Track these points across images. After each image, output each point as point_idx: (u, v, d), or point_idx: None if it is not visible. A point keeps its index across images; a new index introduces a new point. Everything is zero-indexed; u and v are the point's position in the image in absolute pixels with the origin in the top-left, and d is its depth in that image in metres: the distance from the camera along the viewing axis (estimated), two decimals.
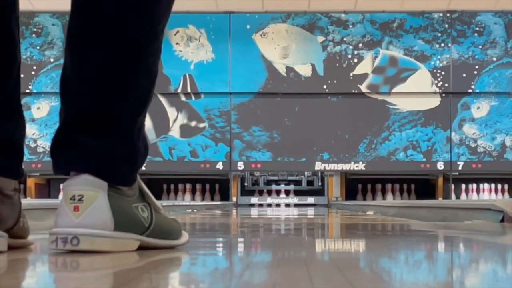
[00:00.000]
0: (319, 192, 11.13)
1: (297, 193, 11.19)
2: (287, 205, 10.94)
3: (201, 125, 10.61)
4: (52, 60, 10.63)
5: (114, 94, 1.64)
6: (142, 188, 1.71)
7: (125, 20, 1.63)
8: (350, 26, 10.65)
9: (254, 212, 7.66)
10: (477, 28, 10.57)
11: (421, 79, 10.56)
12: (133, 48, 1.64)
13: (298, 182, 11.23)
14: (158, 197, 10.37)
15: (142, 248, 1.67)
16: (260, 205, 10.95)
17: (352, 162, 10.57)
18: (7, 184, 1.65)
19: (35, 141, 10.53)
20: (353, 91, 10.55)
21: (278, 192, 11.24)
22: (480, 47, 10.55)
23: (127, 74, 1.64)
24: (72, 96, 1.65)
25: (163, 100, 10.50)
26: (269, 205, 10.99)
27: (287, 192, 11.22)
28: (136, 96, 1.67)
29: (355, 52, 10.60)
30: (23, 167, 1.72)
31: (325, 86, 10.55)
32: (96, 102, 1.63)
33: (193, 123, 10.61)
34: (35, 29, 10.66)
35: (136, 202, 1.67)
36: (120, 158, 1.64)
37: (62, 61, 1.69)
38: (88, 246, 1.57)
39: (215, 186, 11.23)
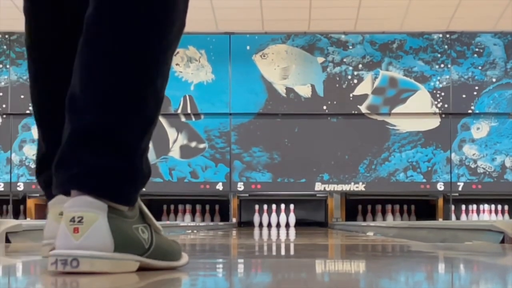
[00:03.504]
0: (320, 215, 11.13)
1: (297, 205, 11.12)
2: (287, 225, 10.90)
3: (201, 145, 10.61)
4: None
5: (121, 115, 1.64)
6: (142, 209, 1.71)
7: (136, 44, 1.64)
8: (350, 47, 10.68)
9: (255, 231, 7.64)
10: (477, 49, 10.60)
11: (421, 100, 10.57)
12: (143, 71, 1.65)
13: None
14: (158, 218, 10.34)
15: (142, 269, 1.66)
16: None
17: (352, 183, 10.56)
18: None
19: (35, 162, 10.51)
20: (353, 111, 10.56)
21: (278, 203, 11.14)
22: (480, 68, 10.57)
23: (135, 96, 1.65)
24: (78, 114, 1.65)
25: (163, 120, 10.50)
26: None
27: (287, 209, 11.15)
28: (143, 118, 1.68)
29: (355, 73, 10.62)
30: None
31: (325, 107, 10.56)
32: (102, 122, 1.64)
33: (193, 144, 10.61)
34: None
35: (136, 223, 1.67)
36: (122, 178, 1.64)
37: None
38: (88, 267, 1.56)
39: (215, 207, 11.20)
